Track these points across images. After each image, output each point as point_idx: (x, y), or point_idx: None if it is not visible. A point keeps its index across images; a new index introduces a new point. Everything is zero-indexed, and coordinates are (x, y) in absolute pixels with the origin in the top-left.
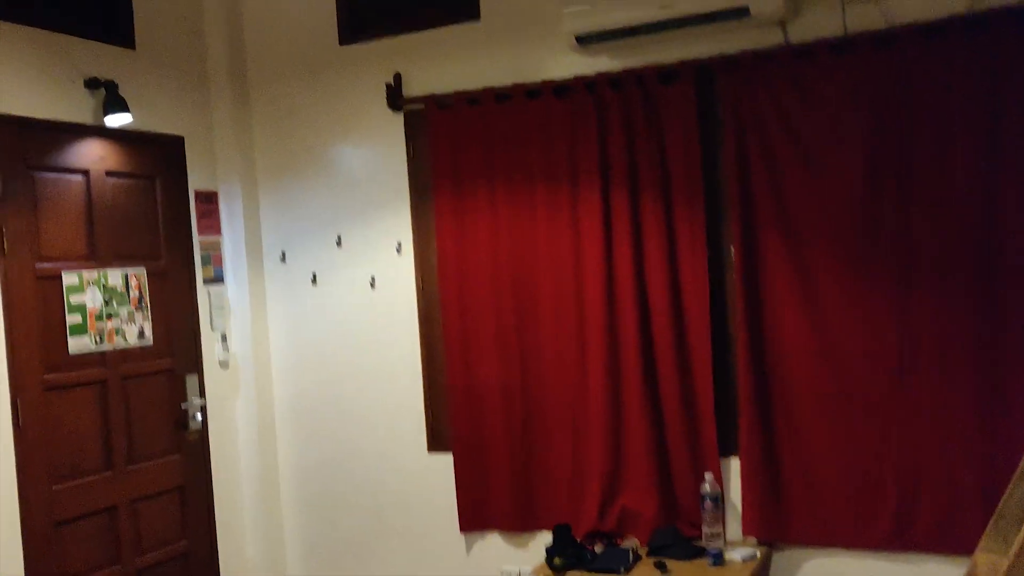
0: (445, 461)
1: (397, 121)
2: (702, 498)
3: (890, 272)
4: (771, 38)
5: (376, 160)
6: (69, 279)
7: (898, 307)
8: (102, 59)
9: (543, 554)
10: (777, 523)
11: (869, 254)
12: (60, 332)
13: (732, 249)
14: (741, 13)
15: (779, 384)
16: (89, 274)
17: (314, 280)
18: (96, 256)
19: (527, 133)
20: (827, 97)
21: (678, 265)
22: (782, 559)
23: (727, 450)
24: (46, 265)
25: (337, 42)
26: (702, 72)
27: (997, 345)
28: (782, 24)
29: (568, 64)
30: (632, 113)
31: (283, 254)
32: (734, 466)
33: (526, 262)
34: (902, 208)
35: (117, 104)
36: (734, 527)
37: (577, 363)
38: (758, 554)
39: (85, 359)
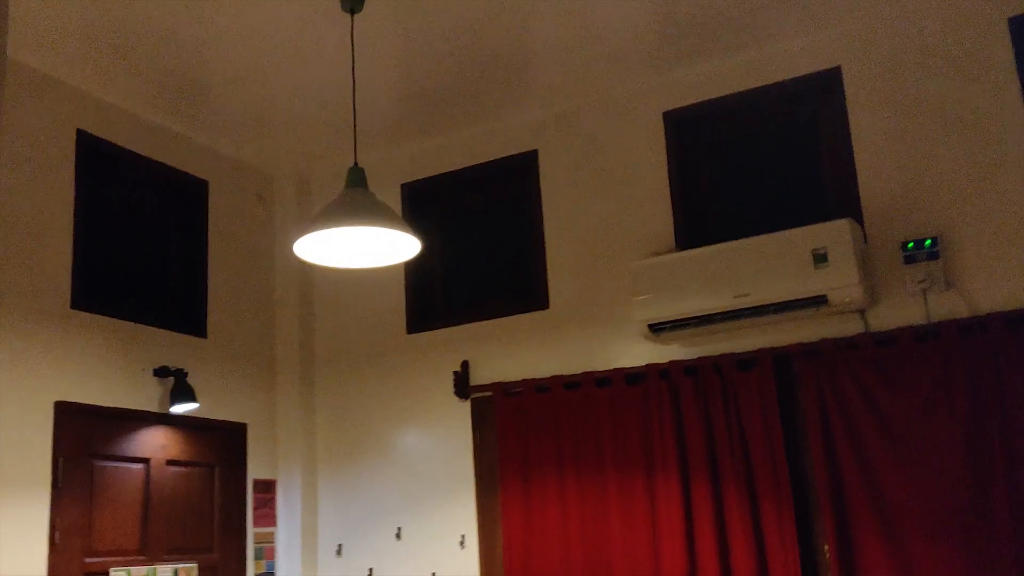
0: None
1: (464, 409)
2: None
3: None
4: (850, 325)
5: (441, 448)
6: None
7: None
8: (173, 348)
9: None
10: None
11: (983, 548)
12: None
13: (826, 548)
14: (819, 302)
15: None
16: (138, 571)
17: None
18: (147, 550)
19: (598, 420)
20: (916, 382)
21: (768, 569)
22: None
23: None
24: (95, 560)
25: (405, 330)
26: (781, 358)
27: None
28: (861, 312)
29: (639, 352)
30: (710, 400)
31: (339, 547)
32: None
33: (600, 558)
34: (1013, 495)
35: (184, 393)
36: None
37: None
38: None
39: None
